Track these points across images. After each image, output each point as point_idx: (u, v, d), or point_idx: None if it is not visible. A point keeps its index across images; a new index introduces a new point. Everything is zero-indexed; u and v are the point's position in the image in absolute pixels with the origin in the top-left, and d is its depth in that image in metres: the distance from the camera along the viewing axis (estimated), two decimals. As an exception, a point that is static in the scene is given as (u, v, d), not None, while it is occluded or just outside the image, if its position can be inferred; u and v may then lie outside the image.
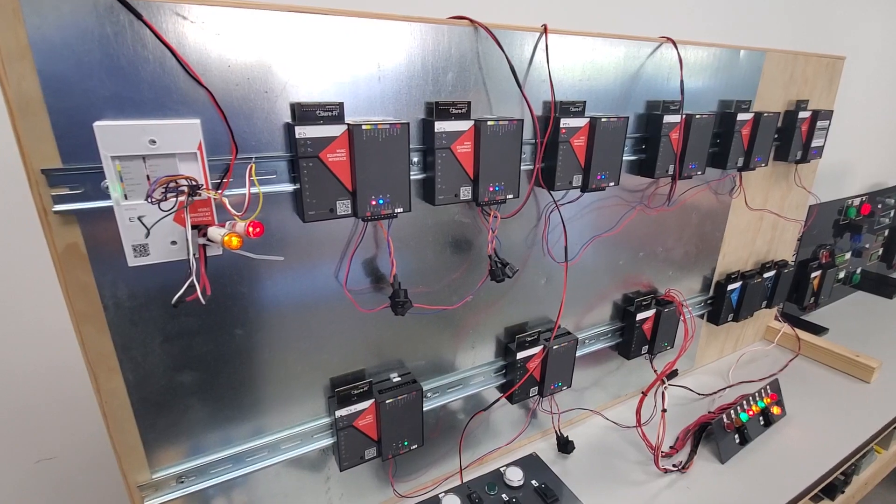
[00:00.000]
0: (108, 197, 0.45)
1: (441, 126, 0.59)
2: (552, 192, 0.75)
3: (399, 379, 0.73)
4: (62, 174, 0.45)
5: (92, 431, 0.94)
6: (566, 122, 0.69)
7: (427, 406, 0.76)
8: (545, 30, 0.66)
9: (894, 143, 2.10)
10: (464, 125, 0.61)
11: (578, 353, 0.90)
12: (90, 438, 0.94)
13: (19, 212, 0.78)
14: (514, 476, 0.82)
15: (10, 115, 0.42)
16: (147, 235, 0.45)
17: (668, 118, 0.79)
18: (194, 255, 0.47)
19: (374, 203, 0.57)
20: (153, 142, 0.45)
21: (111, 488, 0.98)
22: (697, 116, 0.82)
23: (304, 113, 0.52)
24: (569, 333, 0.86)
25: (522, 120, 0.64)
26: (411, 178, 0.60)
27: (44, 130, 0.43)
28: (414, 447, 0.74)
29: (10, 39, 0.40)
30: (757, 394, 1.02)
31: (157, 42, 0.45)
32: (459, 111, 0.61)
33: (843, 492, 1.19)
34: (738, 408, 0.97)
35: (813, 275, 1.37)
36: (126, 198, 0.45)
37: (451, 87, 0.62)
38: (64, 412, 0.91)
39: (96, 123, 0.43)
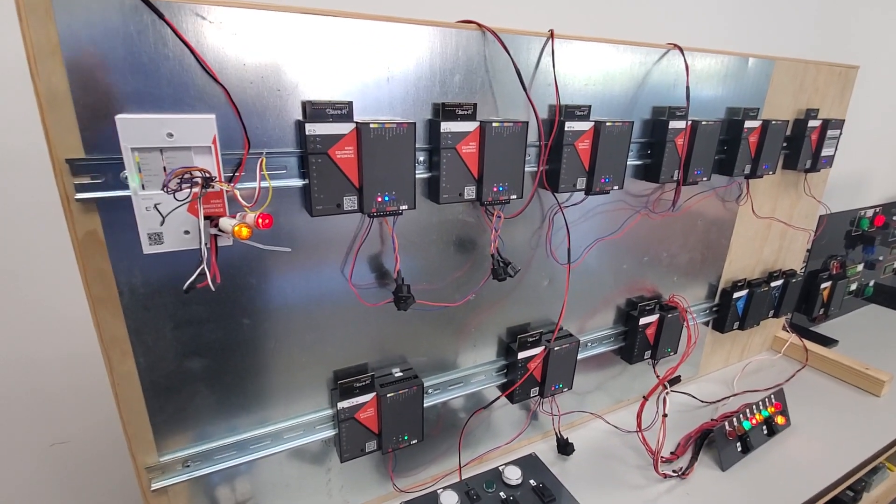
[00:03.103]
0: (126, 187, 0.47)
1: (447, 126, 0.61)
2: (556, 195, 0.76)
3: (401, 374, 0.74)
4: (85, 164, 0.47)
5: (103, 418, 0.97)
6: (571, 126, 0.70)
7: (428, 402, 0.78)
8: (552, 35, 0.68)
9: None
10: (469, 126, 0.62)
11: (581, 356, 0.90)
12: (102, 424, 0.97)
13: (42, 208, 0.81)
14: (513, 475, 0.82)
15: (39, 108, 0.45)
16: (162, 223, 0.47)
17: (673, 124, 0.80)
18: (206, 244, 0.49)
19: (379, 200, 0.58)
20: (170, 135, 0.47)
21: (120, 472, 1.01)
22: (703, 123, 0.82)
23: (314, 111, 0.54)
24: (570, 335, 0.87)
25: (527, 122, 0.66)
26: (417, 176, 0.61)
27: (69, 122, 0.46)
28: (414, 442, 0.75)
29: (42, 37, 0.43)
30: (761, 402, 1.01)
31: (177, 41, 0.47)
32: (465, 112, 0.62)
33: (850, 507, 1.17)
34: (741, 416, 0.97)
35: (823, 285, 1.35)
36: (143, 188, 0.47)
37: (458, 89, 0.64)
38: (78, 399, 0.94)
39: (118, 116, 0.46)
